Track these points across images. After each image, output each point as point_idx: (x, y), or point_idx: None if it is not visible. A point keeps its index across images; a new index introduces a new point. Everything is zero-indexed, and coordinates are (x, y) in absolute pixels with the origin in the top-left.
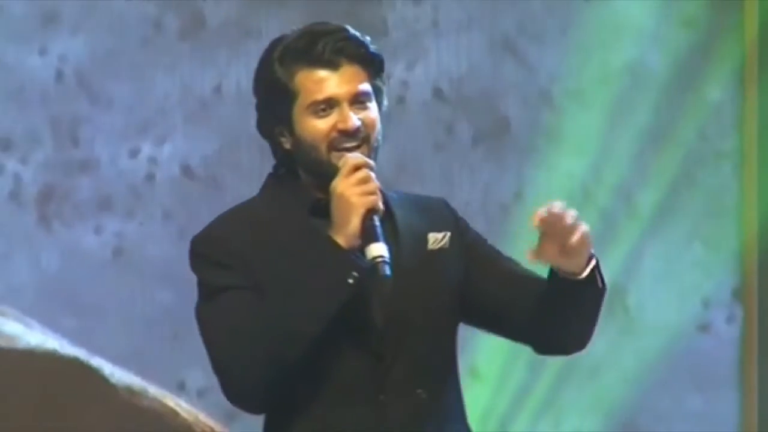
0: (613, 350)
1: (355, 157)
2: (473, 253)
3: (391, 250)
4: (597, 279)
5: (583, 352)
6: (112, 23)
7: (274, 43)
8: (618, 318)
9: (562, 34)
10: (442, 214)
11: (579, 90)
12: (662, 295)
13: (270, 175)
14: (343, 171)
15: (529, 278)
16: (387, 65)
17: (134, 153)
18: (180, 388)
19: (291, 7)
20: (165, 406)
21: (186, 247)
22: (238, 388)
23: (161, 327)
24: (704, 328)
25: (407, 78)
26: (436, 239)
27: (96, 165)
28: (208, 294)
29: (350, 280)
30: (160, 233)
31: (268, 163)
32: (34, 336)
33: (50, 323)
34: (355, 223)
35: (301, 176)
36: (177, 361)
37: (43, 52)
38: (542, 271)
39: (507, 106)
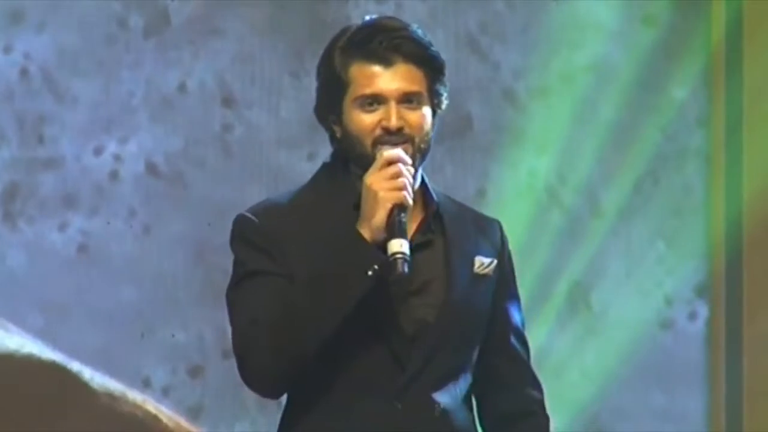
0: (576, 348)
1: (391, 151)
2: (495, 299)
3: (406, 261)
4: None
5: (546, 349)
6: (77, 21)
7: (343, 31)
8: (581, 316)
9: (526, 33)
10: (493, 239)
11: (542, 88)
12: (625, 293)
13: (324, 164)
14: (376, 164)
15: (512, 370)
16: None
17: (99, 151)
18: (145, 385)
19: (255, 6)
20: (146, 411)
21: (150, 244)
22: (254, 372)
23: (126, 324)
24: (667, 325)
25: None
26: (482, 264)
27: (61, 162)
28: (241, 276)
29: (370, 272)
30: (125, 231)
31: (231, 162)
32: (12, 339)
33: (15, 320)
34: (380, 216)
35: (350, 167)
36: (142, 358)
37: (7, 49)
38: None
39: (470, 103)
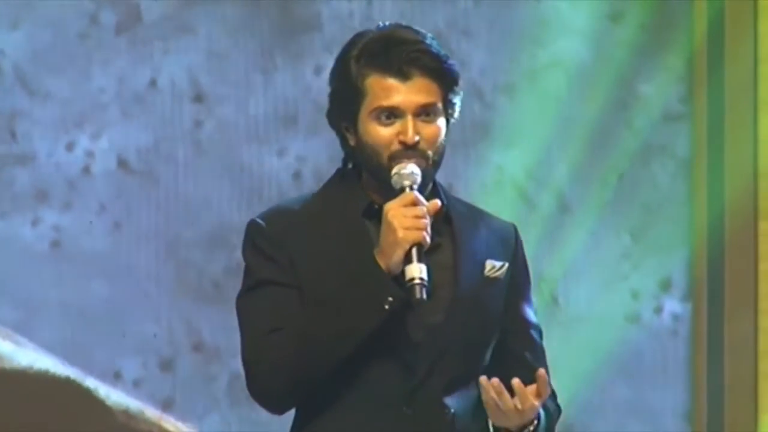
0: (545, 343)
1: (418, 194)
2: (510, 300)
3: (431, 272)
4: None
5: None
6: (49, 18)
7: (356, 38)
8: (548, 310)
9: (492, 30)
10: (506, 243)
11: (509, 84)
12: (591, 287)
13: (337, 170)
14: (402, 199)
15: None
16: (320, 59)
17: (71, 146)
18: (116, 378)
19: (226, 3)
20: (162, 429)
21: (121, 239)
22: (264, 388)
23: (97, 318)
24: (633, 319)
25: None
26: (494, 267)
27: (33, 158)
28: (251, 284)
29: (386, 306)
30: (97, 226)
31: (201, 158)
32: (26, 355)
33: None
34: (398, 255)
35: (363, 175)
36: (113, 351)
37: None
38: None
39: None
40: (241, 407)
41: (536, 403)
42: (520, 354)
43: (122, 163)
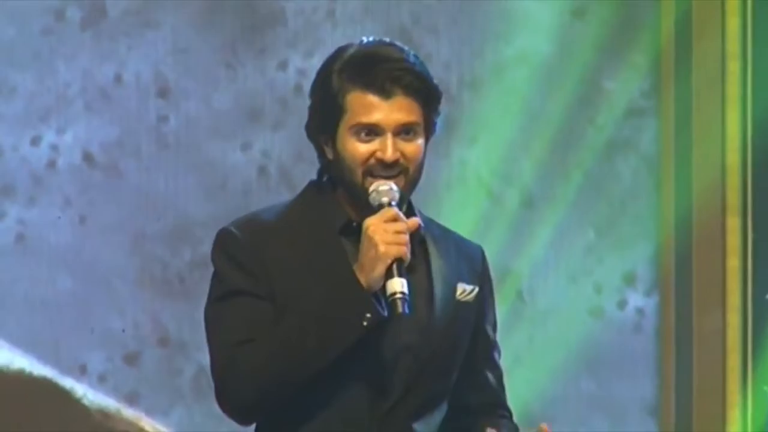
0: (506, 335)
1: (397, 209)
2: (478, 322)
3: (411, 288)
4: None
5: None
6: (14, 13)
7: (340, 52)
8: (512, 305)
9: (457, 25)
10: (474, 266)
11: (473, 80)
12: (556, 282)
13: (311, 182)
14: (383, 215)
15: (486, 399)
16: (284, 54)
17: (36, 141)
18: (81, 373)
19: None
20: (141, 429)
21: (86, 233)
22: (233, 400)
23: (63, 312)
24: (597, 313)
25: (305, 67)
26: (464, 291)
27: None
28: (221, 294)
29: (364, 323)
30: (62, 220)
31: (166, 152)
32: (1, 354)
33: None
34: (379, 270)
35: (338, 189)
36: (78, 345)
37: None
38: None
39: None
40: (205, 401)
41: None
42: (482, 374)
43: (87, 158)
